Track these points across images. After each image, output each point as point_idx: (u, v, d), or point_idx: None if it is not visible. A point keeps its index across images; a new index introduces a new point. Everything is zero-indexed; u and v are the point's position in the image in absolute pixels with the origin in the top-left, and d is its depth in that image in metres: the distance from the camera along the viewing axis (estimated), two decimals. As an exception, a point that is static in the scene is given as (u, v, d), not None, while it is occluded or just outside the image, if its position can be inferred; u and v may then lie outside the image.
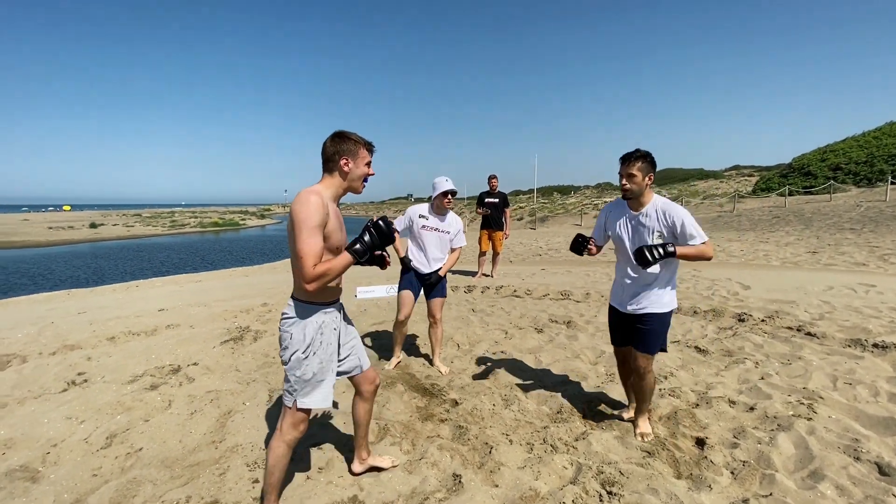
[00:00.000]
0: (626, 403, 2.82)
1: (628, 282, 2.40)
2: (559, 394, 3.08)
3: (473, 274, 8.14)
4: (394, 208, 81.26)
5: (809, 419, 2.53)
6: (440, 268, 3.49)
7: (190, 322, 5.43)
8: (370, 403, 2.15)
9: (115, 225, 34.74)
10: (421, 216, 3.46)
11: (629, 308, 2.40)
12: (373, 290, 7.31)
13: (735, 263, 8.78)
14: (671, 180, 43.03)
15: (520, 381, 3.35)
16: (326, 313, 1.84)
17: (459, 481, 2.14)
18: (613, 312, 2.55)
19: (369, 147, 1.85)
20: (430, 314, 3.57)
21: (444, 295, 3.58)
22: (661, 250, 2.10)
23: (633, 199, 2.32)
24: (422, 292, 3.60)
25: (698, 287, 6.26)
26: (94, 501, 2.06)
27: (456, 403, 3.02)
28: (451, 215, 3.51)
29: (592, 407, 2.90)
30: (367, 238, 1.68)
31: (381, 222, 1.69)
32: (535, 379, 3.41)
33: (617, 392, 3.08)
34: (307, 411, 1.83)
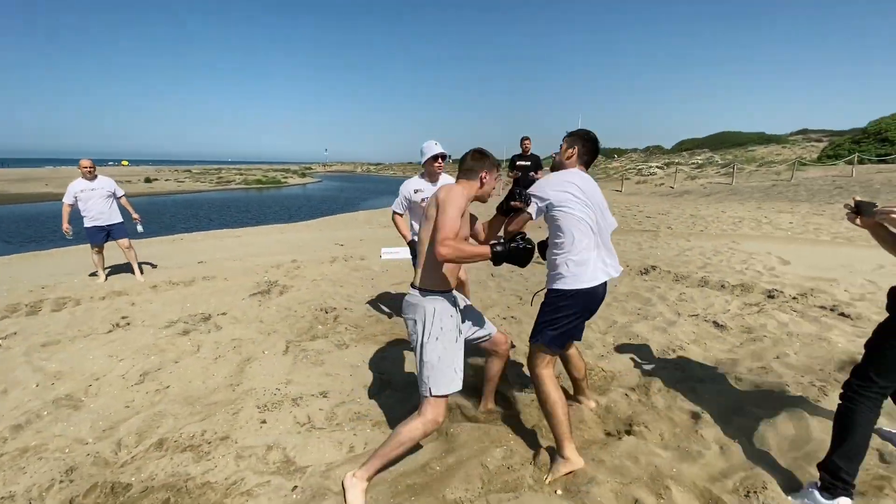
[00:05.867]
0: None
1: None
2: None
3: (499, 238, 8.09)
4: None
5: (818, 401, 2.44)
6: None
7: (224, 275, 5.78)
8: (504, 361, 2.36)
9: (167, 180, 36.50)
10: (416, 190, 3.36)
11: None
12: (397, 252, 7.44)
13: (780, 237, 8.22)
14: (725, 145, 39.71)
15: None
16: (438, 301, 1.88)
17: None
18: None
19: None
20: None
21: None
22: None
23: None
24: None
25: (732, 260, 5.97)
26: (125, 429, 2.33)
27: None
28: (444, 178, 3.39)
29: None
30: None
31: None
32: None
33: (621, 363, 3.09)
34: (442, 397, 1.83)
